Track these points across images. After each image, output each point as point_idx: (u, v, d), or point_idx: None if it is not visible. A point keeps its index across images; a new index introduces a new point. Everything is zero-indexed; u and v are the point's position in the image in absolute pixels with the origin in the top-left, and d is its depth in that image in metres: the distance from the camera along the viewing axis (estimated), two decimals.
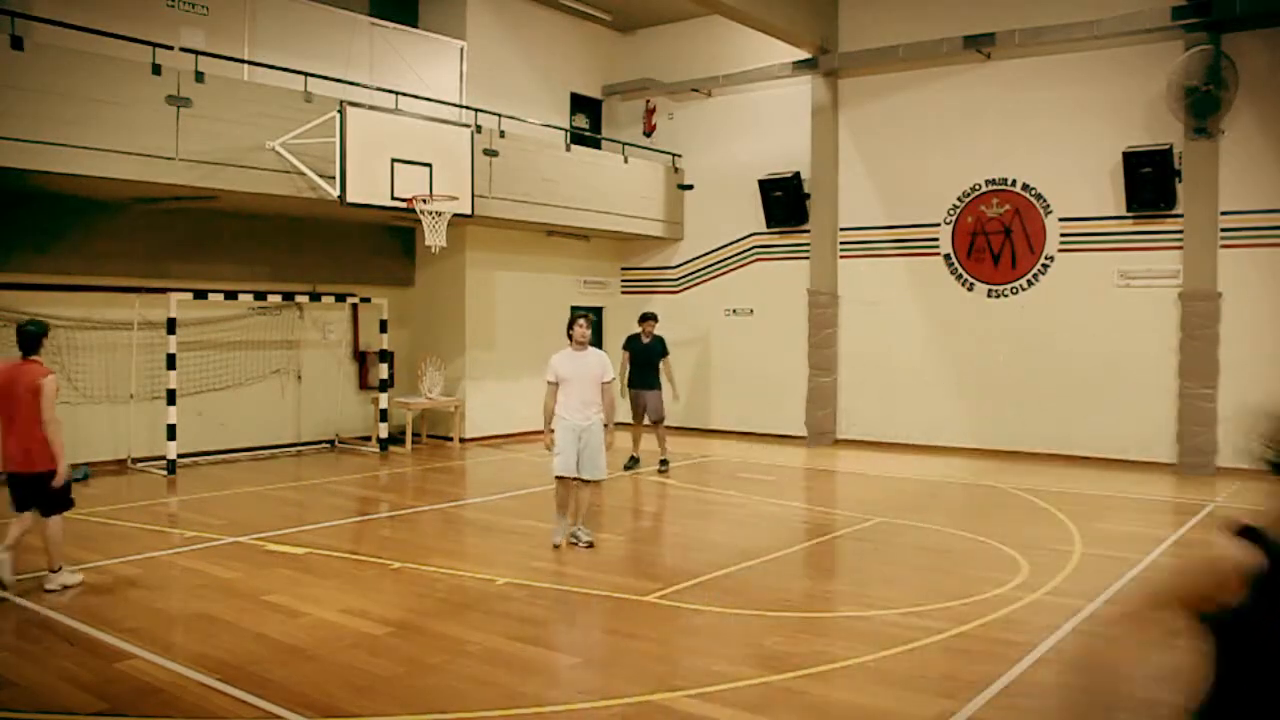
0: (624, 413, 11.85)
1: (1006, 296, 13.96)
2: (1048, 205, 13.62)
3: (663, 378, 12.47)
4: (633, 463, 12.48)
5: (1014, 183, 13.88)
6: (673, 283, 17.18)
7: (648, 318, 12.64)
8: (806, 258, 15.59)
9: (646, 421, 12.41)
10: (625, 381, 12.30)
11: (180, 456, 11.98)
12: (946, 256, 14.44)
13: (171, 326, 11.60)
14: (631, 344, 12.52)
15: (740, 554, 7.84)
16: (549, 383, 8.24)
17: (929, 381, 14.54)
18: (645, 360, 12.40)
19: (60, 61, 9.39)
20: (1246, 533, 2.25)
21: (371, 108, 11.78)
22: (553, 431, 8.10)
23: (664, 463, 12.42)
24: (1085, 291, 13.30)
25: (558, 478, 8.10)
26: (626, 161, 15.98)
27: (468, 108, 13.80)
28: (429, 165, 12.07)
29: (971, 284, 14.24)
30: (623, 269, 17.77)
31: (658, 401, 12.34)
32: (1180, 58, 12.26)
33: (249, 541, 8.18)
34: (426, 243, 12.31)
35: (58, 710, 4.61)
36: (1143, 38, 12.70)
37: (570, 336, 8.27)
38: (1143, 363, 12.83)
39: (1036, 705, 4.71)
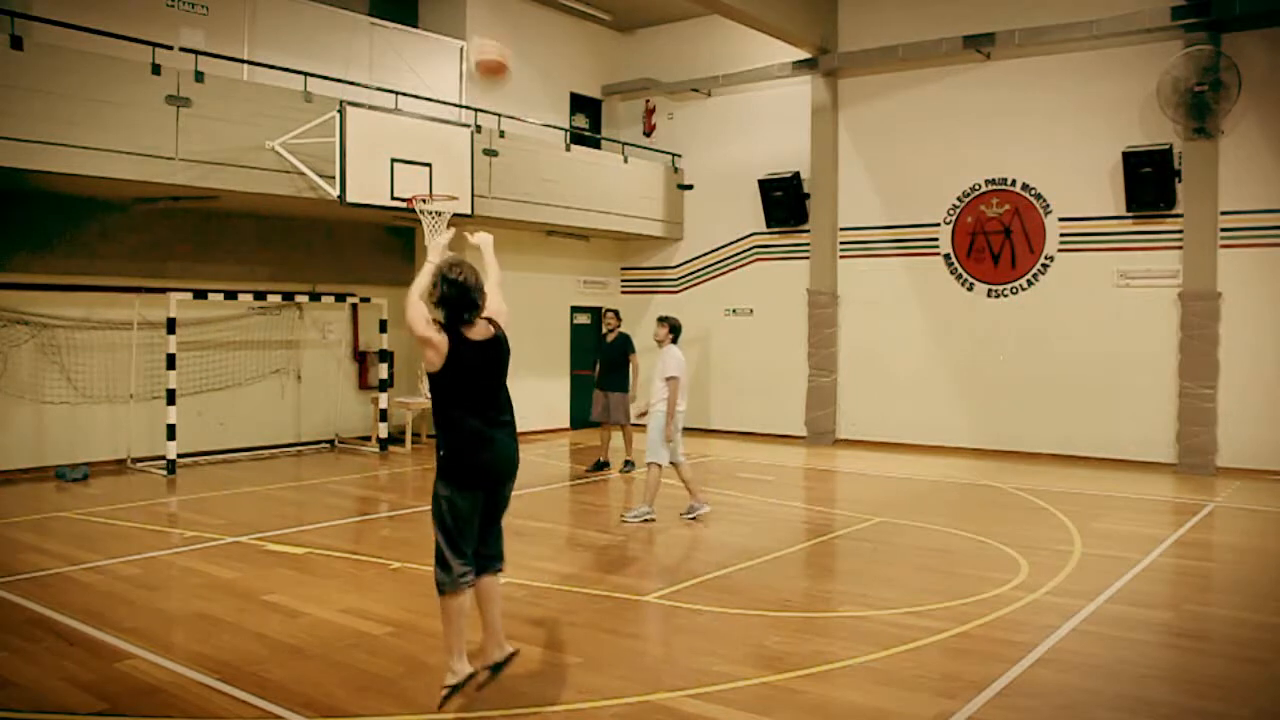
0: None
1: (1006, 296, 13.97)
2: (1047, 205, 13.62)
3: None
4: (600, 466, 12.23)
5: (1014, 183, 13.88)
6: (673, 283, 17.18)
7: (608, 313, 12.51)
8: (806, 258, 15.59)
9: (611, 421, 12.13)
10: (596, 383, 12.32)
11: (180, 456, 11.98)
12: (946, 256, 14.45)
13: (171, 326, 11.59)
14: (599, 344, 12.51)
15: (740, 554, 7.84)
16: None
17: (929, 381, 14.54)
18: (608, 359, 12.14)
19: (60, 61, 9.39)
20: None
21: (371, 108, 11.78)
22: None
23: (628, 464, 12.19)
24: (1085, 291, 13.30)
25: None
26: (626, 161, 15.98)
27: (467, 107, 13.81)
28: (429, 165, 12.07)
29: (971, 284, 14.25)
30: (623, 269, 17.77)
31: (621, 403, 12.02)
32: (1172, 59, 12.28)
33: (249, 541, 8.18)
34: (426, 243, 12.30)
35: (58, 710, 4.61)
36: (1143, 38, 12.70)
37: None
38: (1143, 363, 12.83)
39: (1036, 705, 4.71)
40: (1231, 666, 5.32)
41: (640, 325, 17.39)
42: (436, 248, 4.79)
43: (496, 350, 4.55)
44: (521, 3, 15.89)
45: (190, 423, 12.45)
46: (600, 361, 12.28)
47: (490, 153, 13.41)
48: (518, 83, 15.81)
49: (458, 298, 4.41)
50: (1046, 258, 13.65)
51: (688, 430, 16.47)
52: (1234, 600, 6.83)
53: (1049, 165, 13.57)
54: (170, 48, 10.39)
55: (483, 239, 5.19)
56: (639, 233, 16.37)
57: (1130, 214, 12.97)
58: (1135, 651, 5.62)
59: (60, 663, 5.22)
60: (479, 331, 4.49)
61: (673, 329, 9.29)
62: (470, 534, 4.53)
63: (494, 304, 4.64)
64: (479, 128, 13.30)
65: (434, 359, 4.38)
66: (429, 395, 15.18)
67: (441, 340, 4.37)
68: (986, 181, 14.10)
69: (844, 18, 15.19)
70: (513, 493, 4.70)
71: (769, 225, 15.95)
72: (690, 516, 9.22)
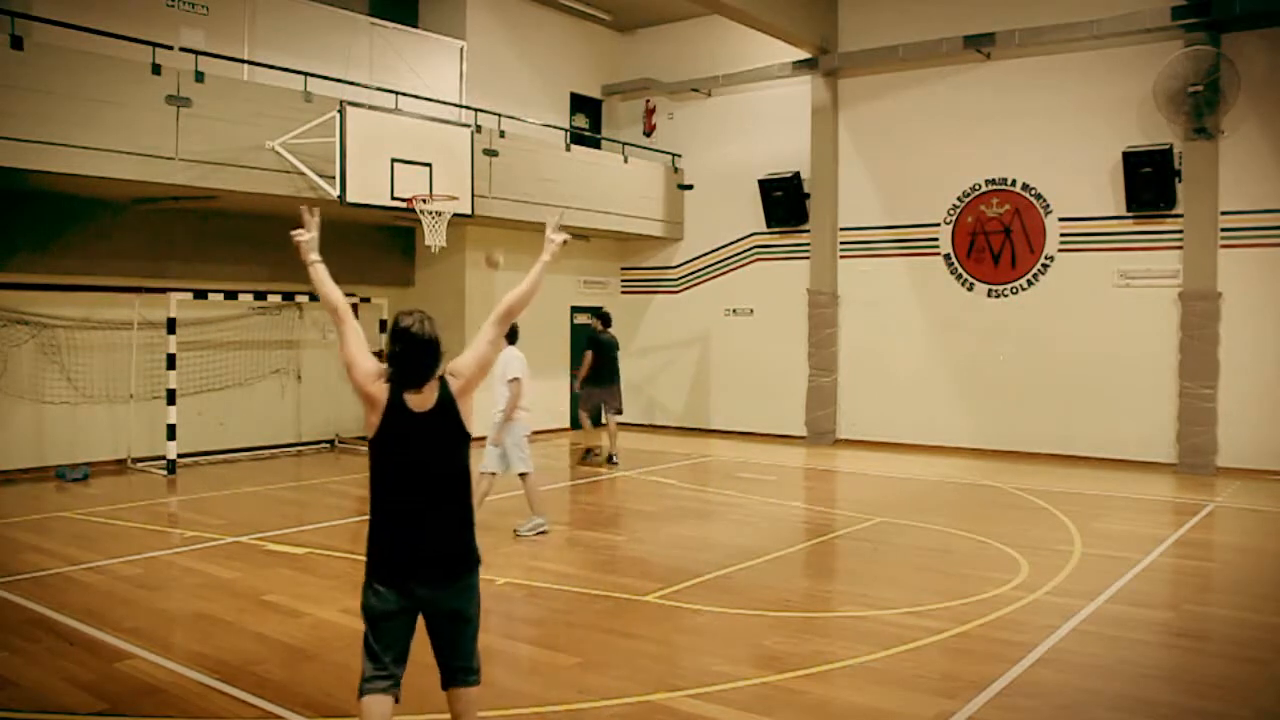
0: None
1: (1006, 296, 13.96)
2: (1048, 205, 13.62)
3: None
4: (591, 455, 13.15)
5: (1014, 183, 13.88)
6: (673, 283, 17.18)
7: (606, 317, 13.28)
8: (806, 258, 15.59)
9: (612, 416, 12.96)
10: (592, 379, 12.91)
11: (180, 456, 11.98)
12: (946, 256, 14.44)
13: (171, 326, 11.60)
14: (600, 342, 12.97)
15: (740, 554, 7.84)
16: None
17: (929, 381, 14.54)
18: (613, 357, 13.02)
19: (60, 61, 9.39)
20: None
21: (371, 108, 11.77)
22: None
23: (612, 458, 12.82)
24: (1085, 291, 13.30)
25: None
26: (626, 161, 15.98)
27: (468, 108, 13.81)
28: (429, 165, 12.07)
29: (971, 284, 14.24)
30: (623, 269, 17.77)
31: (618, 394, 13.06)
32: (1169, 60, 12.28)
33: (249, 541, 8.18)
34: (426, 243, 12.31)
35: (58, 710, 4.61)
36: (1143, 38, 12.70)
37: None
38: (1143, 363, 12.83)
39: (1036, 705, 4.71)
40: (1231, 666, 5.33)
41: (640, 325, 17.44)
42: (551, 246, 4.09)
43: (440, 422, 3.59)
44: (521, 3, 15.89)
45: (190, 423, 12.45)
46: (607, 359, 12.96)
47: (490, 153, 13.41)
48: (517, 83, 15.82)
49: (404, 355, 3.54)
50: (1046, 258, 13.64)
51: (688, 430, 16.67)
52: (1234, 600, 6.83)
53: (1049, 165, 13.57)
54: (170, 48, 10.38)
55: (555, 239, 4.20)
56: (639, 233, 16.37)
57: (1130, 214, 12.97)
58: (1135, 651, 5.62)
59: (60, 663, 5.22)
60: (422, 400, 3.56)
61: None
62: (390, 640, 3.66)
63: (470, 352, 3.72)
64: (479, 128, 13.30)
65: (371, 420, 3.59)
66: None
67: (379, 398, 3.57)
68: (986, 181, 14.10)
69: (844, 18, 15.19)
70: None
71: (769, 225, 15.94)
72: (528, 532, 8.49)
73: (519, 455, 8.43)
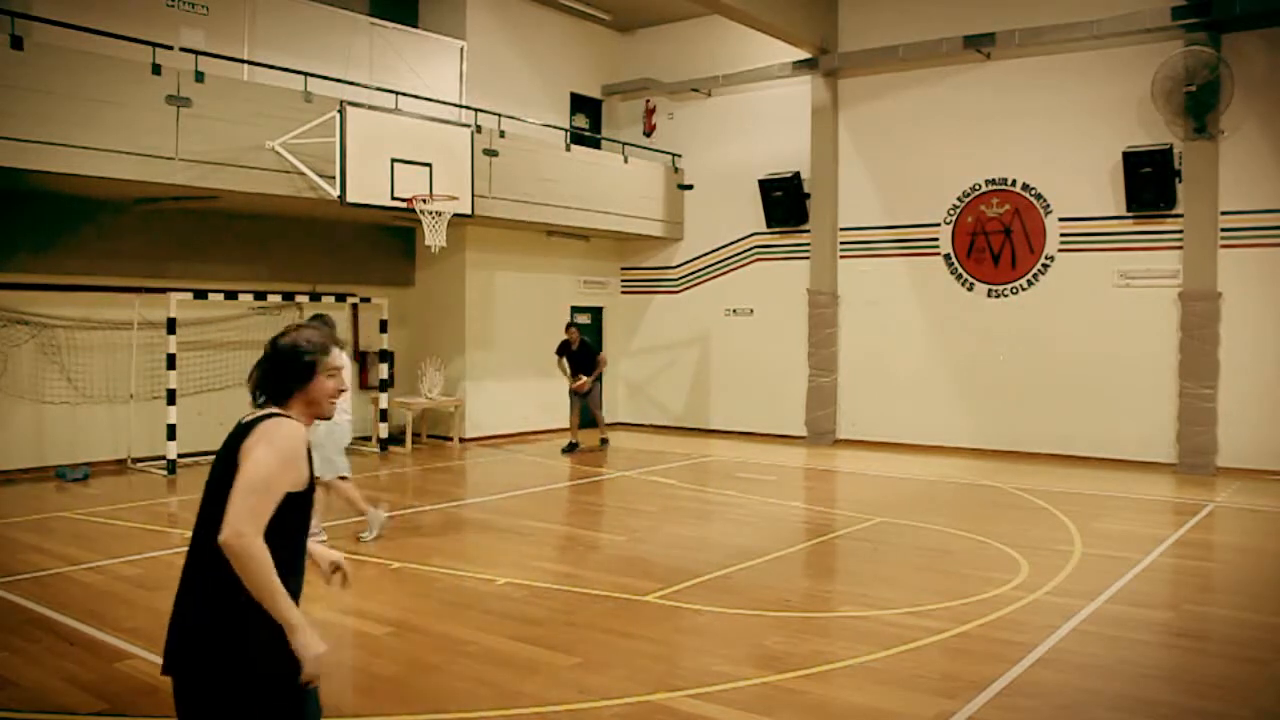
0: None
1: (1006, 296, 13.96)
2: (1048, 205, 13.62)
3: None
4: (572, 448, 14.21)
5: (1014, 183, 13.88)
6: (673, 283, 17.18)
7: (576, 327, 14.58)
8: (806, 258, 15.59)
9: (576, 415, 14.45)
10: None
11: (180, 456, 11.97)
12: (946, 256, 14.44)
13: (171, 326, 11.59)
14: (567, 349, 14.22)
15: (740, 554, 7.84)
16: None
17: (929, 381, 14.54)
18: (585, 360, 14.26)
19: (60, 61, 9.39)
20: None
21: (371, 108, 11.77)
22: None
23: (575, 445, 14.27)
24: (1085, 291, 13.30)
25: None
26: (626, 161, 15.98)
27: (468, 108, 13.81)
28: (429, 165, 12.07)
29: (971, 284, 14.24)
30: (623, 269, 17.77)
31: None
32: (1165, 59, 12.29)
33: None
34: (426, 243, 12.32)
35: (58, 710, 4.61)
36: (1143, 38, 12.70)
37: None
38: (1143, 363, 12.83)
39: (1036, 705, 4.71)
40: (1231, 666, 5.32)
41: (640, 325, 17.44)
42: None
43: (220, 463, 2.75)
44: (521, 3, 15.89)
45: (190, 423, 12.43)
46: (579, 362, 14.28)
47: (490, 153, 13.41)
48: (517, 83, 15.82)
49: (264, 365, 2.88)
50: (1047, 258, 13.64)
51: (688, 430, 16.68)
52: (1234, 600, 6.83)
53: (1049, 165, 13.56)
54: (170, 48, 10.38)
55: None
56: (639, 233, 16.37)
57: (1130, 214, 12.96)
58: (1135, 651, 5.62)
59: (60, 663, 5.22)
60: (252, 414, 2.84)
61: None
62: None
63: (250, 469, 2.67)
64: (479, 128, 13.30)
65: None
66: (428, 396, 15.07)
67: None
68: (986, 181, 14.10)
69: (844, 18, 15.19)
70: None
71: (769, 225, 15.94)
72: (375, 536, 8.24)
73: (343, 461, 8.21)
